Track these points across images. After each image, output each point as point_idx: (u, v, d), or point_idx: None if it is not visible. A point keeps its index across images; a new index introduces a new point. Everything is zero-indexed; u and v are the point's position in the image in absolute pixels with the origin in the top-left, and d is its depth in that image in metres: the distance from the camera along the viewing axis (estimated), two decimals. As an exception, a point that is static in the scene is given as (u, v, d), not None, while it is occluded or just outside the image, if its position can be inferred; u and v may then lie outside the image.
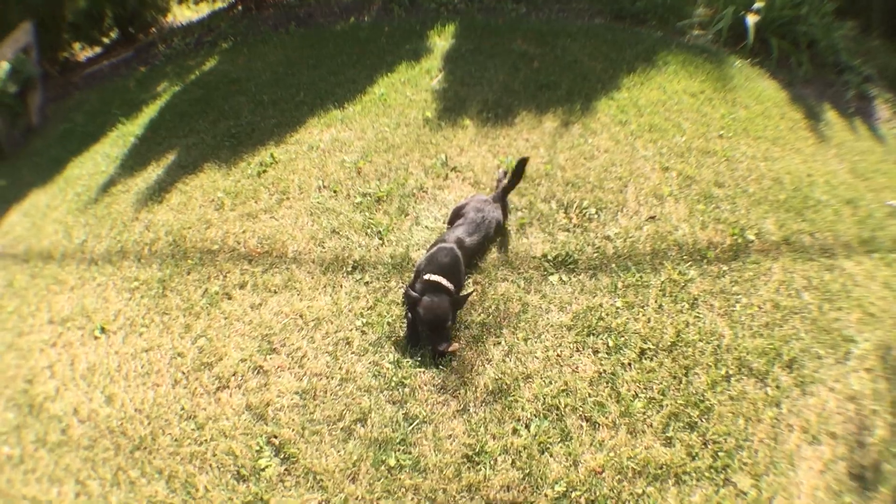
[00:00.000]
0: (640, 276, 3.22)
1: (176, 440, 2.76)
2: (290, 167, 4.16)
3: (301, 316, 3.13)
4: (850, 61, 5.92)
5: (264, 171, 4.21)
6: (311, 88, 5.08)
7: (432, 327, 2.81)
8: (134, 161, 5.16)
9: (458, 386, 2.76)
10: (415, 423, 2.64)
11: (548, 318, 3.01)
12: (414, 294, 2.83)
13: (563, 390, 2.73)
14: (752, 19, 5.57)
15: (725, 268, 3.35)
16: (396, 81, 4.91)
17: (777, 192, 3.96)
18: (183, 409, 2.88)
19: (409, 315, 2.92)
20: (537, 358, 2.85)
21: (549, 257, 3.30)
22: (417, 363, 2.86)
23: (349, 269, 3.35)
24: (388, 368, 2.84)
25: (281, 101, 5.03)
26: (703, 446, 2.56)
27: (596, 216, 3.55)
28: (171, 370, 3.09)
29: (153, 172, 4.83)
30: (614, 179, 3.82)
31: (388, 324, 3.03)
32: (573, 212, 3.57)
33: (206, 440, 2.73)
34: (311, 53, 5.76)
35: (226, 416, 2.80)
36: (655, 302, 3.11)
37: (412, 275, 3.13)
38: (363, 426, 2.66)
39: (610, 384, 2.76)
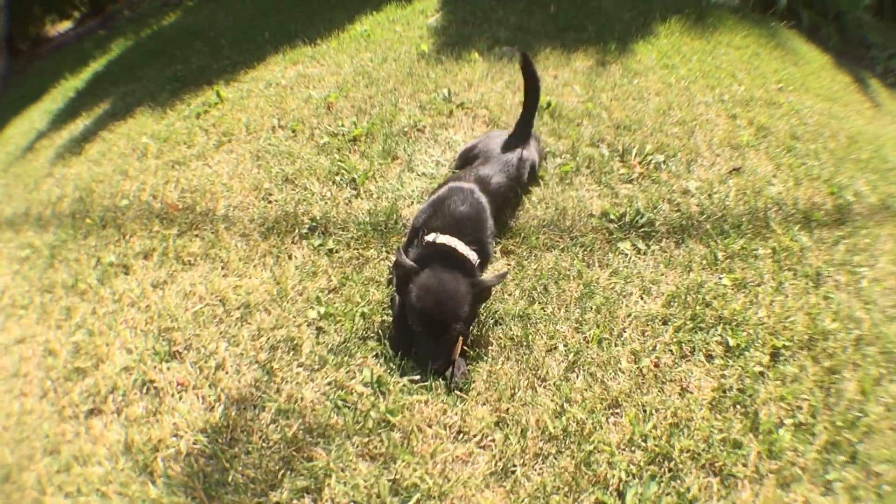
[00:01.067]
0: (745, 244, 1.86)
1: (39, 482, 1.43)
2: (240, 105, 2.67)
3: (222, 301, 1.66)
4: (874, 38, 4.89)
5: (205, 112, 2.72)
6: (279, 30, 3.58)
7: (431, 325, 1.38)
8: (66, 114, 3.82)
9: (490, 428, 1.32)
10: (413, 499, 1.20)
11: (628, 306, 1.61)
12: (408, 262, 1.41)
13: (672, 425, 1.34)
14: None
15: (839, 233, 2.07)
16: (384, 20, 3.45)
17: (858, 151, 2.73)
18: (47, 436, 1.52)
19: (398, 298, 1.49)
20: (622, 372, 1.44)
21: (612, 216, 1.90)
22: (414, 386, 1.40)
23: (304, 230, 1.87)
24: (361, 394, 1.38)
25: (241, 42, 3.53)
26: (866, 485, 1.32)
27: (665, 165, 2.17)
28: (41, 374, 1.74)
29: (81, 123, 3.42)
30: (676, 124, 2.46)
31: (363, 316, 1.55)
32: (634, 159, 2.18)
33: (71, 491, 1.36)
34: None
35: (96, 459, 1.39)
36: (773, 278, 1.78)
37: (406, 236, 1.72)
38: (316, 502, 1.21)
39: (741, 407, 1.40)
